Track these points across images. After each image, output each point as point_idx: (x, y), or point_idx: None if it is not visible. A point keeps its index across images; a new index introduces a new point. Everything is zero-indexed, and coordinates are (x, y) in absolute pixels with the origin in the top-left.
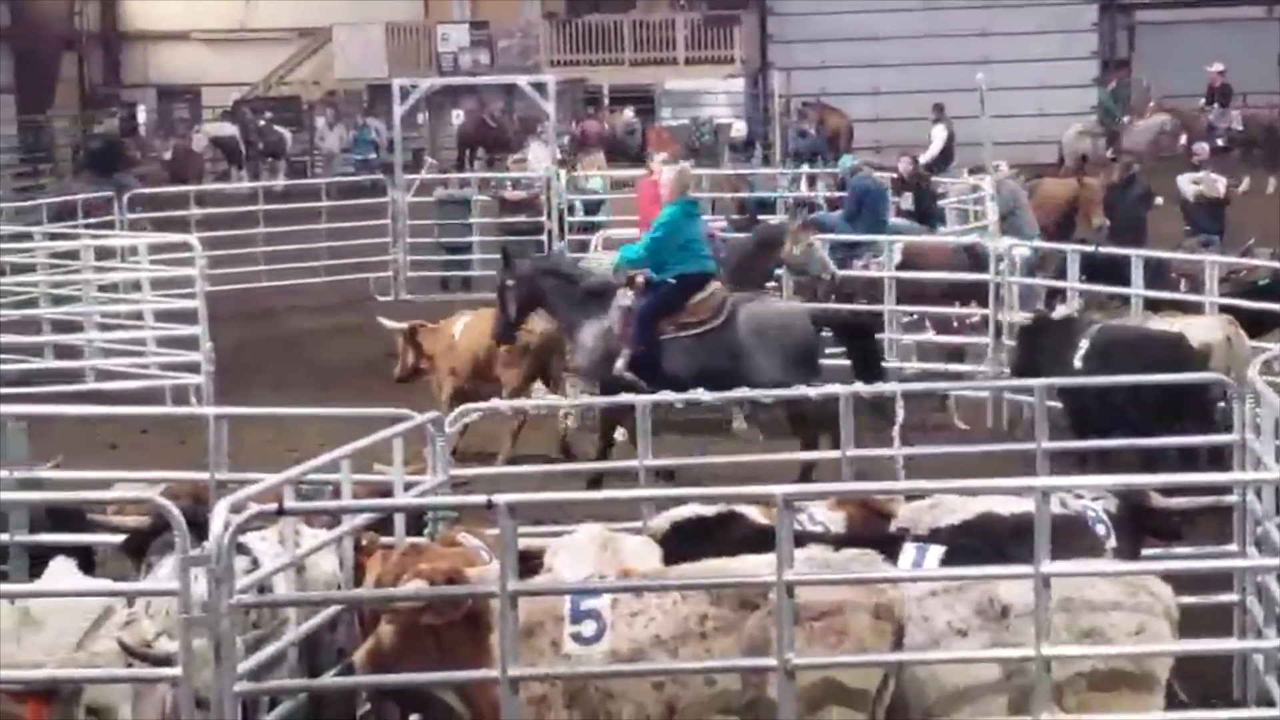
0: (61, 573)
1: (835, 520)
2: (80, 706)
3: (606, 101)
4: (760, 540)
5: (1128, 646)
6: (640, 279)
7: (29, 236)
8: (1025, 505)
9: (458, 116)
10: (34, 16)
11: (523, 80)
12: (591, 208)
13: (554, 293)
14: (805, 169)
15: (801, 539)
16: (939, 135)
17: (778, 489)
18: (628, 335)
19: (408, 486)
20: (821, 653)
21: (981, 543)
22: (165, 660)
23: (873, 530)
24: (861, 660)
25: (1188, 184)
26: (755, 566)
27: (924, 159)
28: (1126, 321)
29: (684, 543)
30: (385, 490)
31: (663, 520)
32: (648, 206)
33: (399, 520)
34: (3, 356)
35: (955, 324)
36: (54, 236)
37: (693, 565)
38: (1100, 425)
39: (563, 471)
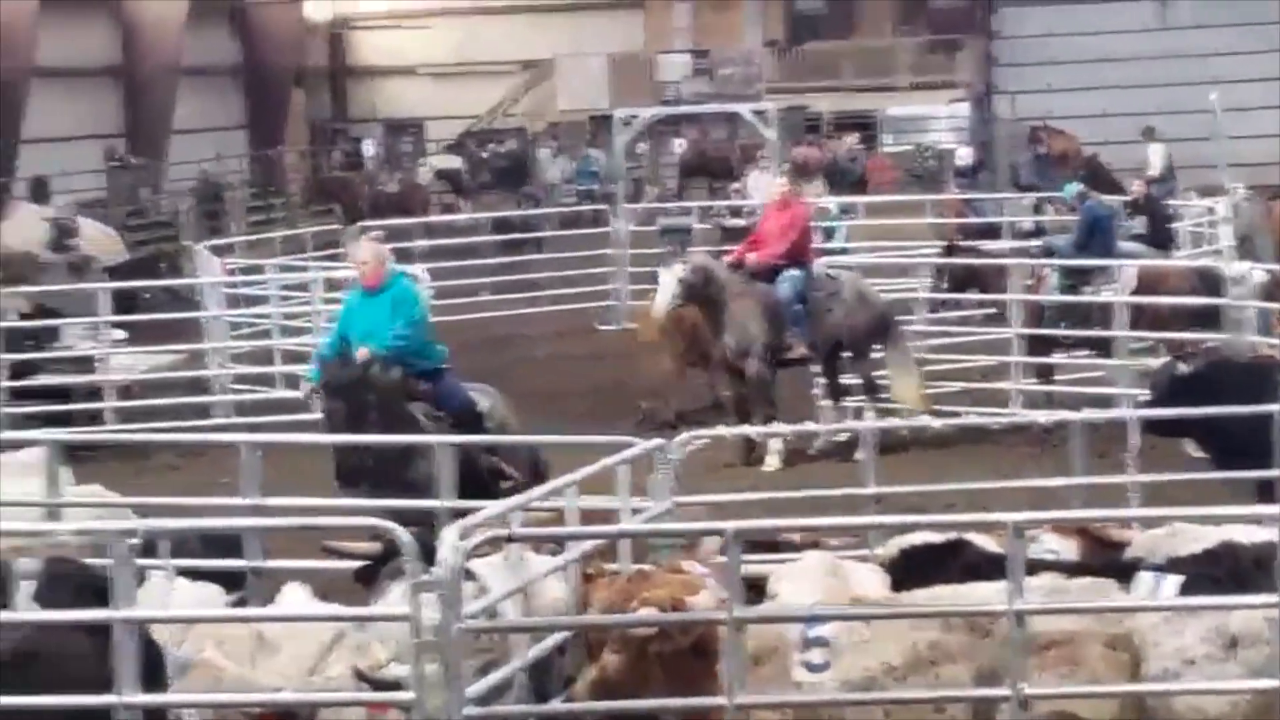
0: (295, 598)
1: (1067, 548)
2: None
3: (828, 128)
4: (990, 568)
5: None
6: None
7: (261, 269)
8: (1268, 534)
9: (679, 145)
10: (265, 54)
11: (744, 108)
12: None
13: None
14: (1032, 196)
15: (1033, 567)
16: (1156, 152)
17: (1009, 516)
18: None
19: (634, 512)
20: (1053, 683)
21: (1221, 572)
22: (396, 685)
23: (1106, 558)
24: (1096, 691)
25: None
26: (986, 594)
27: (1151, 174)
28: None
29: (912, 570)
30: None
31: (891, 547)
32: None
33: (624, 547)
34: (238, 386)
35: (1190, 349)
36: (285, 269)
37: (922, 592)
38: None
39: (789, 499)
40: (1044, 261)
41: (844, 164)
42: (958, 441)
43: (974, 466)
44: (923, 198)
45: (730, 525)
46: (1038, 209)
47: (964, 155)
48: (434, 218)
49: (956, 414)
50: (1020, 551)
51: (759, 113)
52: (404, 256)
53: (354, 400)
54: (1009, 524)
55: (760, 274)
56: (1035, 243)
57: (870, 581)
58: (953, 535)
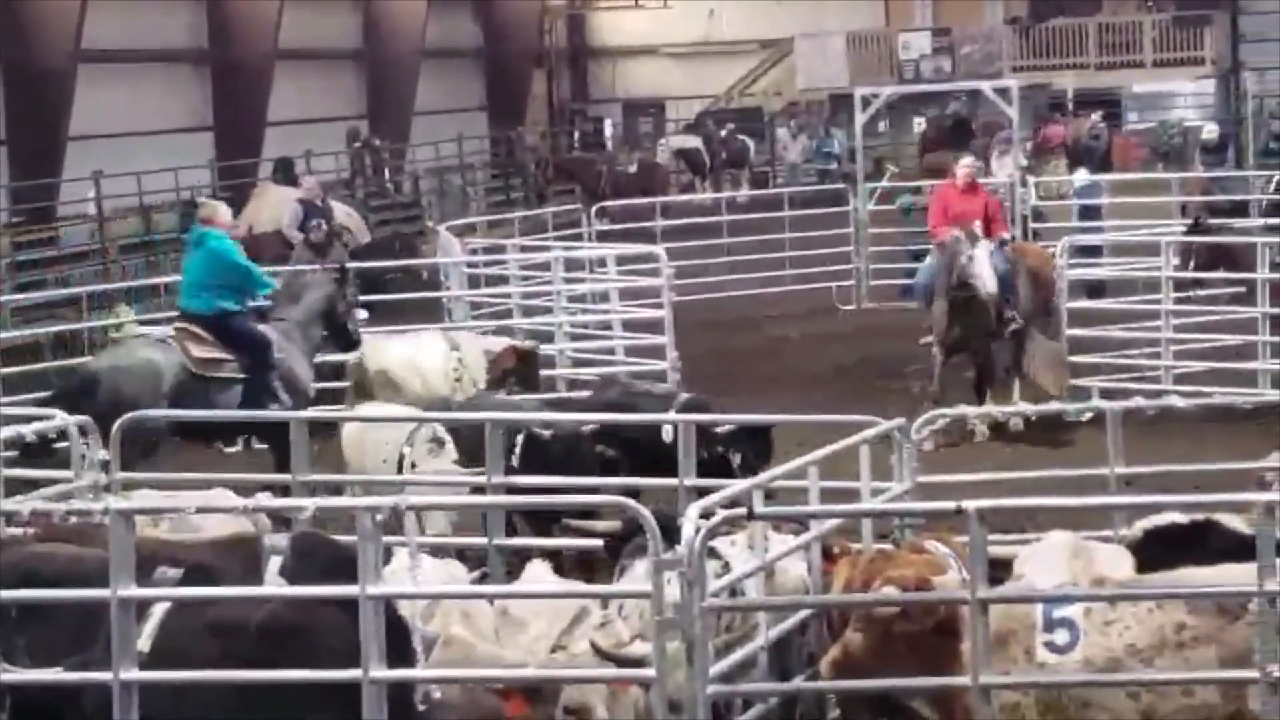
0: (538, 575)
1: None
2: (559, 706)
3: (1070, 106)
4: (1239, 550)
5: None
6: None
7: (502, 249)
8: None
9: (919, 124)
10: (506, 36)
11: (986, 86)
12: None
13: None
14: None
15: None
16: None
17: (1260, 496)
18: None
19: (875, 493)
20: None
21: None
22: (639, 662)
23: None
24: None
25: None
26: (1235, 576)
27: None
28: None
29: (1158, 551)
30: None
31: (1136, 528)
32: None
33: (866, 526)
34: None
35: None
36: (525, 249)
37: (1169, 574)
38: None
39: (1032, 479)
40: None
41: (1087, 142)
42: (1204, 421)
43: (1221, 447)
44: (1167, 175)
45: (973, 504)
46: None
47: (1210, 132)
48: (672, 197)
49: (1204, 393)
50: (1271, 532)
51: (1001, 90)
52: (643, 236)
53: None
54: (1260, 504)
55: None
56: None
57: (1116, 563)
58: (1200, 516)
